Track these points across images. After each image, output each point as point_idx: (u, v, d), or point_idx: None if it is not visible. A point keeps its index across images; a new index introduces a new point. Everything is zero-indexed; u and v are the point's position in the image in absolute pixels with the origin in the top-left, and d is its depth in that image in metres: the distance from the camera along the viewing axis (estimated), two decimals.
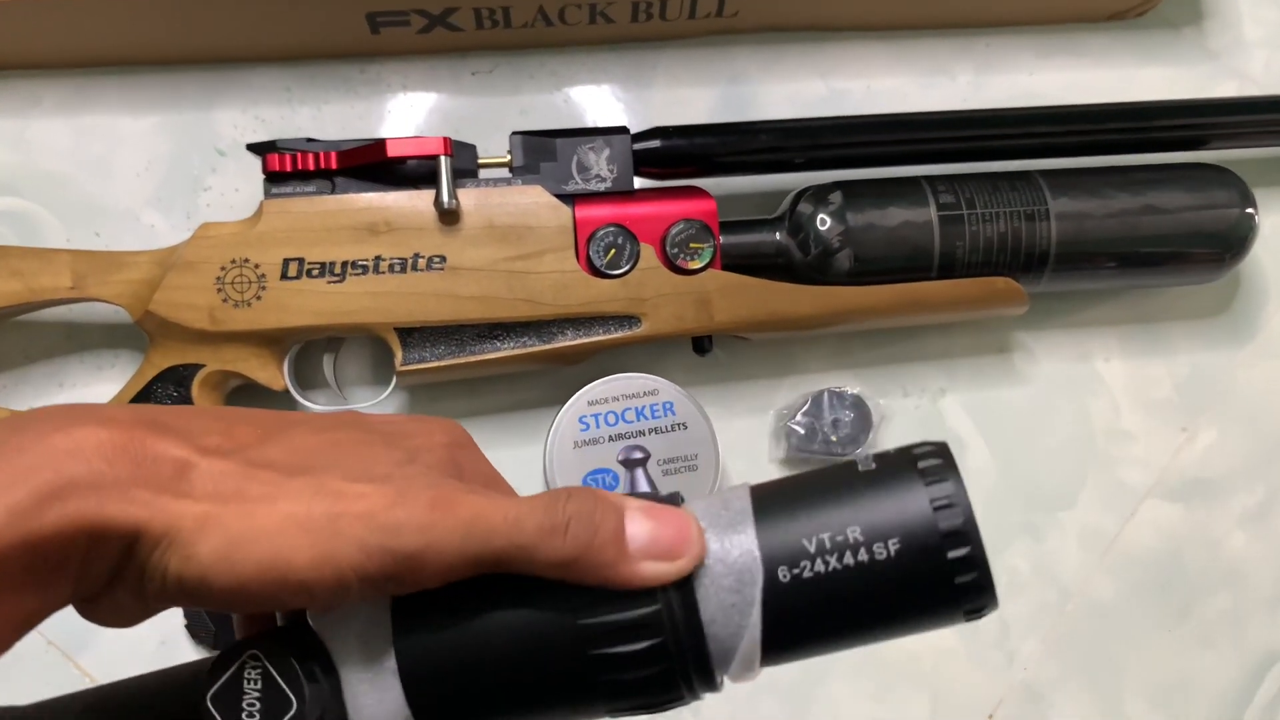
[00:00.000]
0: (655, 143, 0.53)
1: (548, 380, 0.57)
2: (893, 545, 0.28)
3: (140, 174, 0.59)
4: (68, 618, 0.55)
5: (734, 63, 0.61)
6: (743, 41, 0.61)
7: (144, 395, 0.52)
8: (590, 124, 0.60)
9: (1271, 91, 0.62)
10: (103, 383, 0.57)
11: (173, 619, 0.54)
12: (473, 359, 0.52)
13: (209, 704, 0.28)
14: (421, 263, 0.52)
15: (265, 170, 0.52)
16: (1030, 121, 0.56)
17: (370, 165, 0.52)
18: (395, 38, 0.58)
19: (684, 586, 0.28)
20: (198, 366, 0.52)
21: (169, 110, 0.59)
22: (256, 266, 0.51)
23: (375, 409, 0.57)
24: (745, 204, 0.58)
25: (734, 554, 0.29)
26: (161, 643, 0.55)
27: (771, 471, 0.58)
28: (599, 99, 0.60)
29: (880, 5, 0.59)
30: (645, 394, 0.54)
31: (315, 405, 0.54)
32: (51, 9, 0.53)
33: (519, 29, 0.58)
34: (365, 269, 0.51)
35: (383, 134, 0.59)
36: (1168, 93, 0.61)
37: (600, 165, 0.53)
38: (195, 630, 0.53)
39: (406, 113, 0.60)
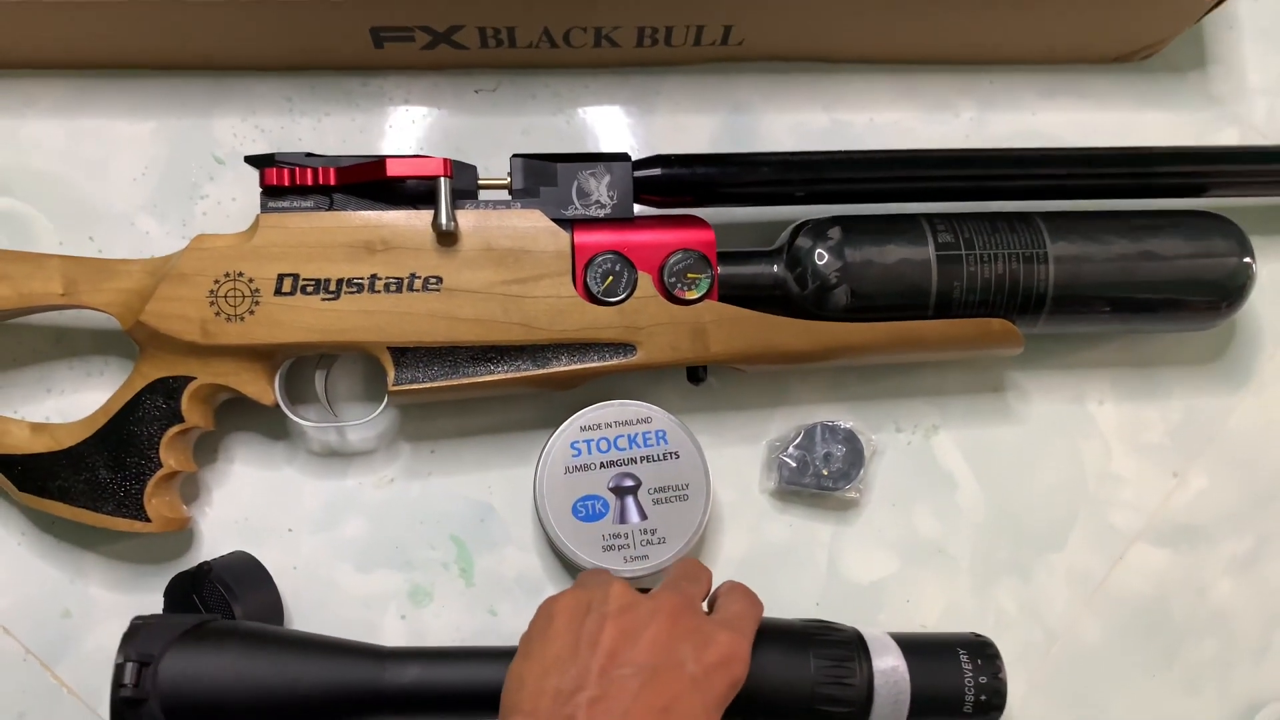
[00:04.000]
0: (656, 171, 0.53)
1: (540, 402, 0.57)
2: None
3: (136, 179, 0.58)
4: (46, 624, 0.55)
5: (737, 91, 0.61)
6: (747, 70, 0.61)
7: (133, 405, 0.52)
8: (591, 146, 0.60)
9: (1273, 139, 0.62)
10: (91, 390, 0.57)
11: None
12: (466, 381, 0.52)
13: None
14: (418, 283, 0.51)
15: (263, 184, 0.51)
16: (1032, 163, 0.55)
17: (369, 183, 0.51)
18: (399, 53, 0.57)
19: None
20: (188, 379, 0.52)
21: (168, 115, 0.59)
22: (251, 281, 0.51)
23: (365, 427, 0.57)
24: (743, 234, 0.58)
25: None
26: None
27: (761, 502, 0.58)
28: (601, 122, 0.60)
29: (885, 38, 0.59)
30: (638, 421, 0.54)
31: (305, 421, 0.54)
32: (52, 11, 0.53)
33: (524, 49, 0.57)
34: (360, 287, 0.51)
35: (383, 148, 0.59)
36: (1170, 137, 0.61)
37: (600, 191, 0.53)
38: None
39: (407, 128, 0.60)
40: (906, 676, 0.48)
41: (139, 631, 0.47)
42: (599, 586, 0.46)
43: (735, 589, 0.49)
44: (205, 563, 0.52)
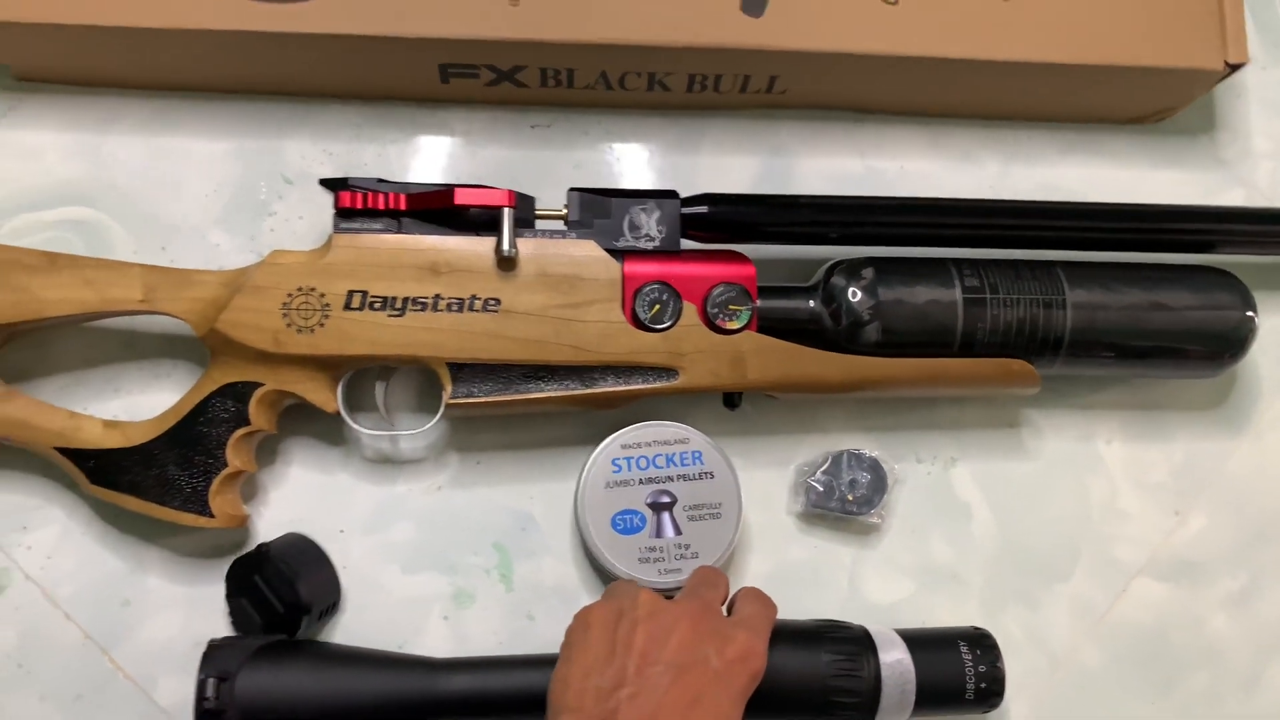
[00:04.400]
0: (703, 208, 0.57)
1: (580, 421, 0.60)
2: None
3: (209, 195, 0.62)
4: (106, 611, 0.58)
5: (777, 135, 0.65)
6: (787, 116, 0.65)
7: (202, 407, 0.55)
8: (638, 183, 0.64)
9: (1276, 202, 0.66)
10: (158, 391, 0.60)
11: (208, 622, 0.56)
12: (518, 397, 0.55)
13: None
14: (478, 304, 0.55)
15: (337, 206, 0.55)
16: (1052, 215, 0.59)
17: (436, 209, 0.55)
18: (463, 88, 0.61)
19: None
20: (256, 385, 0.55)
21: (242, 137, 0.63)
22: (322, 295, 0.54)
23: (417, 437, 0.60)
24: (777, 270, 0.62)
25: None
26: (195, 644, 0.57)
27: (787, 523, 0.61)
28: (648, 160, 0.64)
29: (917, 92, 0.63)
30: (676, 442, 0.57)
31: (363, 429, 0.57)
32: (138, 36, 0.57)
33: (580, 89, 0.61)
34: (424, 306, 0.54)
35: (442, 176, 0.63)
36: (1179, 195, 0.65)
37: (650, 225, 0.57)
38: (239, 622, 0.55)
39: (466, 158, 0.63)
40: (911, 668, 0.52)
41: (216, 651, 0.51)
42: (628, 595, 0.50)
43: (750, 593, 0.53)
44: (263, 545, 0.55)
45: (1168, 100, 0.64)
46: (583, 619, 0.50)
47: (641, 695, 0.45)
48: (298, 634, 0.54)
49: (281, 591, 0.53)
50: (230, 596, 0.55)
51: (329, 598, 0.57)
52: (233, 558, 0.58)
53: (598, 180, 0.64)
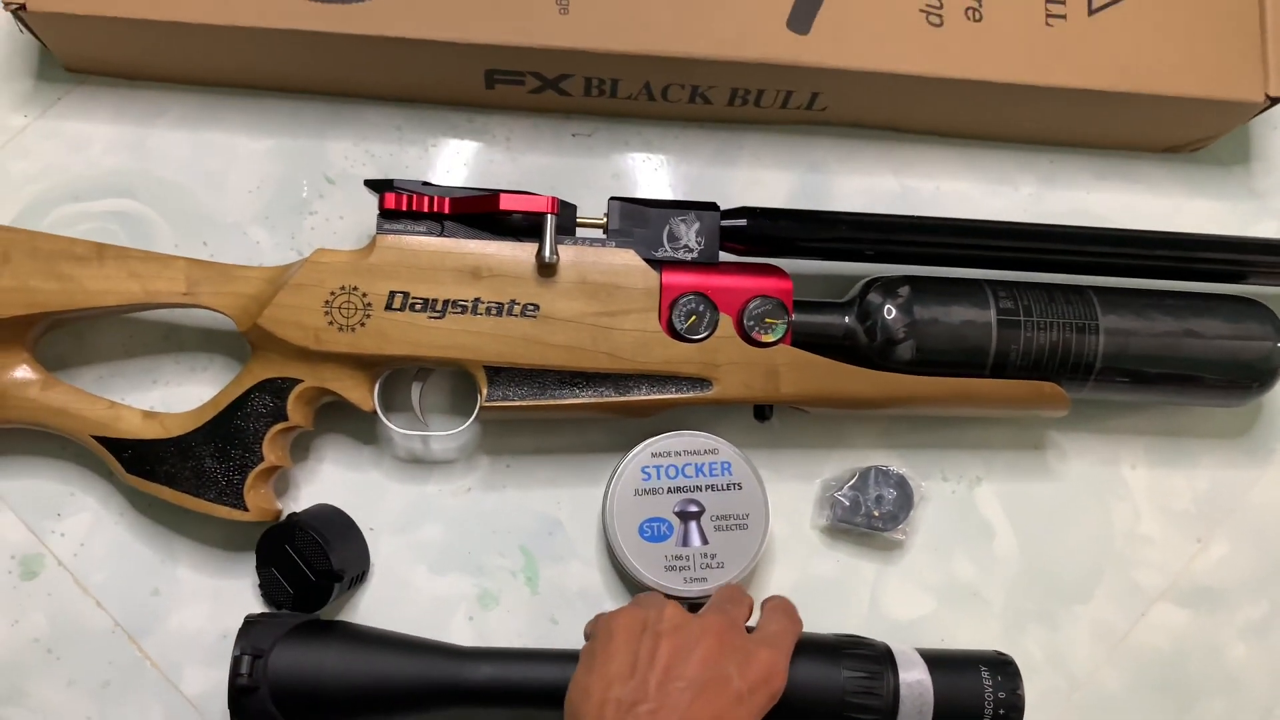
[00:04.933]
0: (742, 221, 0.57)
1: (609, 428, 0.61)
2: None
3: (251, 192, 0.63)
4: (135, 600, 0.58)
5: (815, 151, 0.65)
6: (825, 133, 0.65)
7: (241, 401, 0.56)
8: (676, 194, 0.64)
9: None
10: (195, 384, 0.61)
11: (236, 614, 0.57)
12: (552, 402, 0.56)
13: None
14: (516, 309, 0.55)
15: (381, 207, 0.56)
16: (1086, 240, 0.60)
17: (478, 214, 0.55)
18: (507, 94, 0.62)
19: None
20: (295, 381, 0.56)
21: (285, 135, 0.63)
22: (364, 295, 0.55)
23: (448, 439, 0.61)
24: (809, 284, 0.62)
25: None
26: (223, 636, 0.58)
27: (812, 537, 0.61)
28: (686, 171, 0.65)
29: (954, 114, 0.64)
30: (706, 452, 0.58)
31: (398, 428, 0.58)
32: (186, 31, 0.57)
33: (623, 100, 0.62)
34: (465, 309, 0.55)
35: (482, 181, 0.63)
36: (1212, 225, 0.66)
37: (689, 236, 0.57)
38: (269, 592, 0.56)
39: (506, 163, 0.64)
40: (931, 689, 0.52)
41: (252, 627, 0.52)
42: (654, 607, 0.50)
43: (777, 606, 0.54)
44: (294, 514, 0.56)
45: (1205, 130, 0.64)
46: (606, 626, 0.50)
47: (661, 712, 0.45)
48: (328, 601, 0.55)
49: (313, 560, 0.55)
50: (261, 566, 0.56)
51: (359, 565, 0.58)
52: None
53: (635, 190, 0.64)
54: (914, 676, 0.53)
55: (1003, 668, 0.54)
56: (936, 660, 0.54)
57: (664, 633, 0.48)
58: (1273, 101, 0.60)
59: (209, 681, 0.58)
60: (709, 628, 0.49)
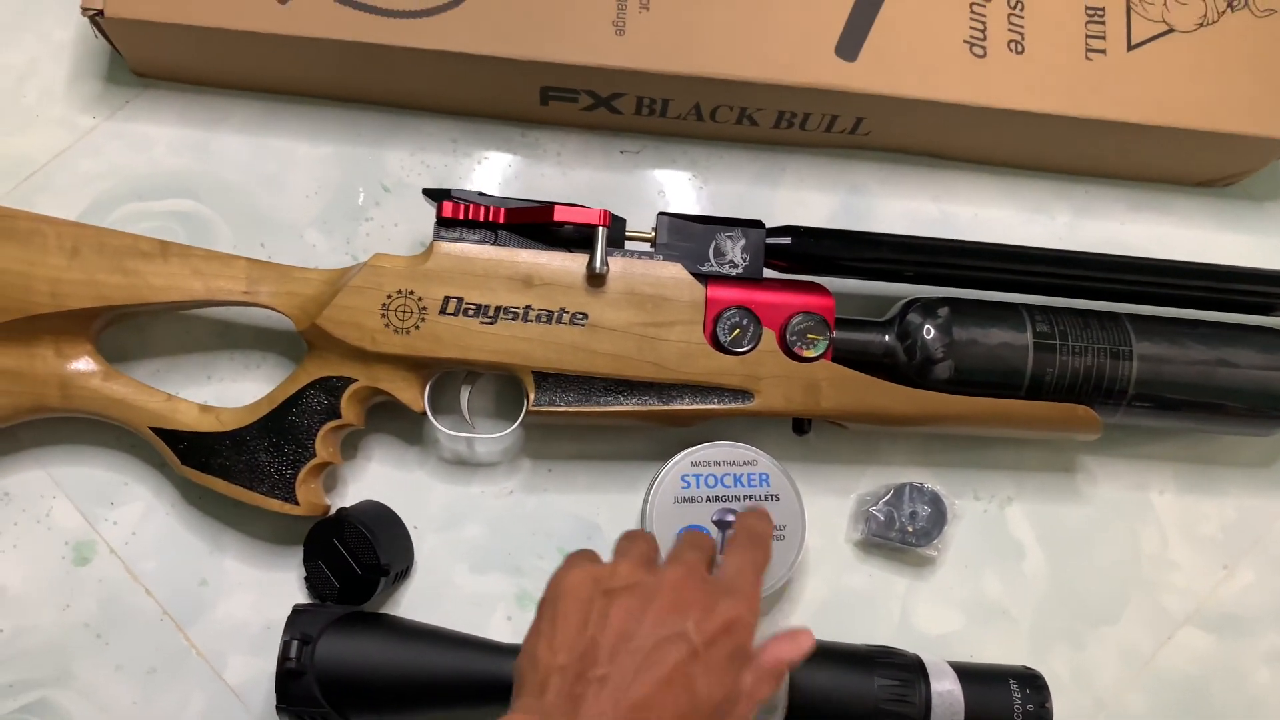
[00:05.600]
0: (787, 240, 0.59)
1: (650, 437, 0.62)
2: None
3: (309, 196, 0.65)
4: (184, 589, 0.60)
5: (856, 175, 0.67)
6: (866, 157, 0.67)
7: (296, 398, 0.57)
8: (720, 211, 0.66)
9: None
10: (248, 381, 0.62)
11: (280, 606, 0.58)
12: (597, 409, 0.58)
13: None
14: (566, 317, 0.57)
15: (439, 215, 0.57)
16: (1122, 269, 0.61)
17: (533, 224, 0.57)
18: (560, 111, 0.64)
19: None
20: (349, 380, 0.57)
21: (344, 143, 0.65)
22: (420, 299, 0.56)
23: (493, 442, 0.62)
24: (849, 303, 0.64)
25: None
26: (266, 627, 0.60)
27: (845, 551, 0.63)
28: (730, 190, 0.66)
29: (994, 143, 0.65)
30: (745, 463, 0.59)
31: (446, 430, 0.59)
32: (257, 40, 0.59)
33: (672, 119, 0.64)
34: (516, 316, 0.57)
35: (533, 194, 0.65)
36: (1244, 259, 0.67)
37: (735, 252, 0.59)
38: (315, 585, 0.57)
39: (557, 178, 0.66)
40: (961, 700, 0.54)
41: (300, 615, 0.54)
42: (608, 565, 0.48)
43: (737, 538, 0.51)
44: (342, 509, 0.58)
45: (1239, 166, 0.66)
46: (556, 586, 0.47)
47: (612, 679, 0.42)
48: (373, 595, 0.56)
49: (360, 554, 0.56)
50: (308, 559, 0.57)
51: (404, 561, 0.59)
52: None
53: (680, 206, 0.66)
54: (945, 687, 0.54)
55: (1031, 682, 0.55)
56: (967, 672, 0.55)
57: (616, 591, 0.45)
58: None
59: (252, 670, 0.59)
60: (664, 582, 0.46)
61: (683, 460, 0.59)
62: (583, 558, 0.48)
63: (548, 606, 0.46)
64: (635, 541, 0.49)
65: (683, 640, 0.43)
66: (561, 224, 0.57)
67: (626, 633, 0.44)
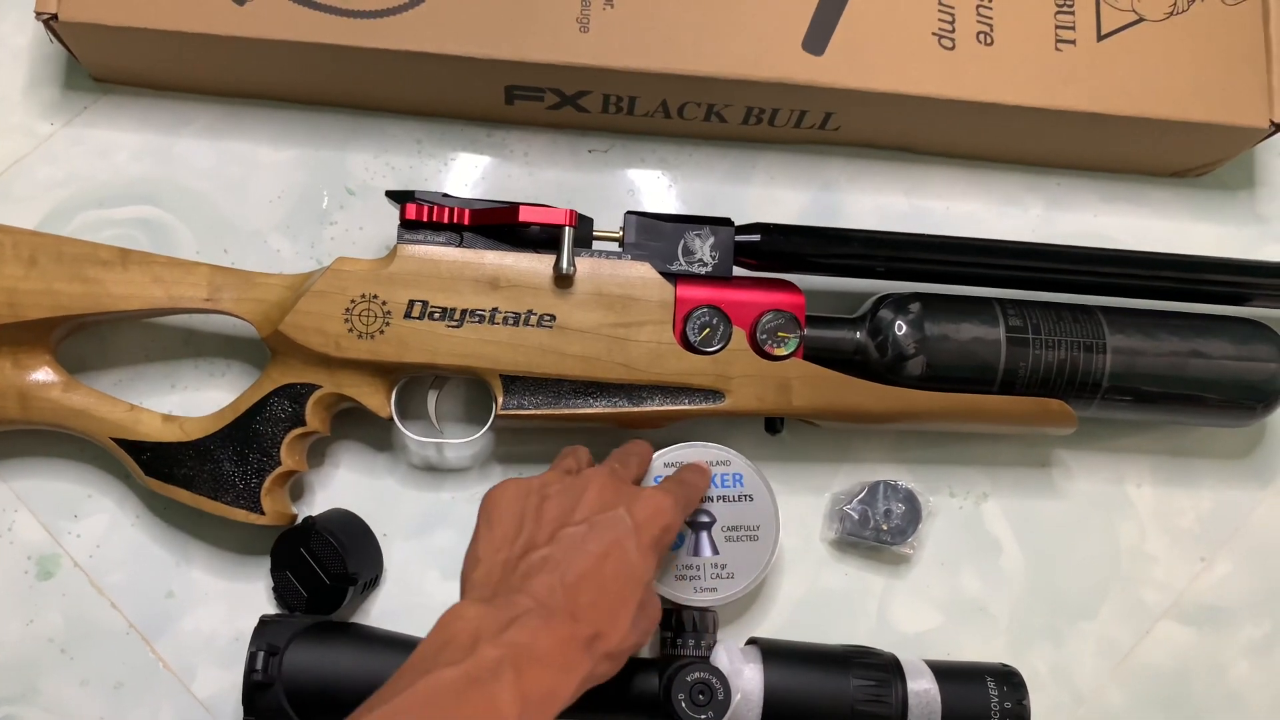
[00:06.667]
0: (756, 237, 0.58)
1: (625, 438, 0.61)
2: None
3: (273, 201, 0.64)
4: (150, 602, 0.59)
5: (827, 170, 0.66)
6: (837, 153, 0.66)
7: (260, 406, 0.57)
8: (690, 210, 0.65)
9: None
10: (214, 389, 0.61)
11: (249, 617, 0.57)
12: (567, 412, 0.57)
13: None
14: (533, 319, 0.56)
15: (403, 217, 0.57)
16: (1094, 261, 0.61)
17: (497, 225, 0.56)
18: (526, 110, 0.63)
19: None
20: (314, 387, 0.57)
21: (307, 146, 0.64)
22: (384, 303, 0.56)
23: (462, 446, 0.61)
24: (820, 300, 0.63)
25: None
26: (235, 639, 0.59)
27: (820, 550, 0.62)
28: (700, 188, 0.66)
29: (965, 136, 0.65)
30: (718, 463, 0.59)
31: (414, 435, 0.59)
32: (215, 43, 0.58)
33: (640, 117, 0.63)
34: (482, 318, 0.56)
35: (500, 194, 0.64)
36: (1217, 249, 0.67)
37: (704, 251, 0.58)
38: (283, 595, 0.56)
39: (524, 178, 0.65)
40: (938, 699, 0.53)
41: (267, 626, 0.53)
42: (537, 476, 0.51)
43: (672, 477, 0.56)
44: (309, 517, 0.57)
45: (1211, 155, 0.65)
46: (490, 498, 0.50)
47: (554, 556, 0.46)
48: (342, 604, 0.55)
49: (328, 563, 0.55)
50: (275, 569, 0.56)
51: (373, 569, 0.58)
52: None
53: (650, 205, 0.65)
54: (921, 686, 0.53)
55: (1008, 679, 0.55)
56: (943, 671, 0.54)
57: (550, 493, 0.49)
58: (1277, 128, 0.62)
59: (221, 683, 0.58)
60: (593, 477, 0.50)
61: (655, 462, 0.58)
62: (512, 478, 0.51)
63: (483, 515, 0.49)
64: (565, 456, 0.54)
65: (617, 519, 0.48)
66: (528, 225, 0.56)
67: (562, 520, 0.48)
